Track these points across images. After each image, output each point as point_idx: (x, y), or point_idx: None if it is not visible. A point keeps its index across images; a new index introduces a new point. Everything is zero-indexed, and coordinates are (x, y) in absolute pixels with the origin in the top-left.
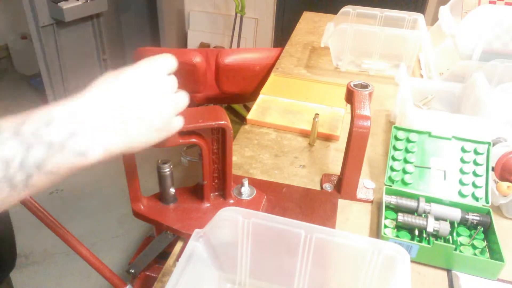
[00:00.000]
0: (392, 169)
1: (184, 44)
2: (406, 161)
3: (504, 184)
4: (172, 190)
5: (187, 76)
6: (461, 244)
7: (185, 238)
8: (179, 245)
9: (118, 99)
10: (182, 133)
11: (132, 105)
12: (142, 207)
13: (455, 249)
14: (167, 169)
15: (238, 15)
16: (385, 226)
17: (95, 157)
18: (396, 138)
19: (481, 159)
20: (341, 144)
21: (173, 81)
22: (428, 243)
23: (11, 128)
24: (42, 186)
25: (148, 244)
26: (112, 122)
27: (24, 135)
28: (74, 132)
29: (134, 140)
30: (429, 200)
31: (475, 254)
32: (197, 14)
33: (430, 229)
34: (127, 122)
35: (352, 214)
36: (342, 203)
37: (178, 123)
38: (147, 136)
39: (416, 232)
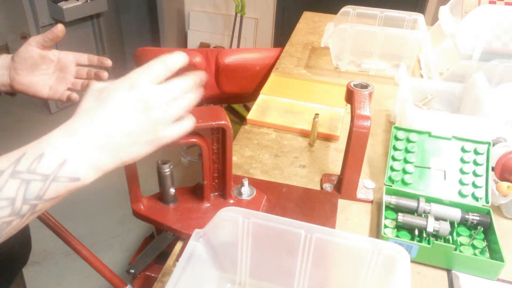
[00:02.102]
0: (392, 169)
1: (184, 44)
2: (406, 161)
3: (504, 184)
4: (172, 190)
5: None
6: (461, 244)
7: (185, 238)
8: (179, 245)
9: (105, 122)
10: None
11: (120, 126)
12: (142, 207)
13: (455, 249)
14: (167, 169)
15: (238, 15)
16: (385, 226)
17: (88, 179)
18: (396, 138)
19: (481, 159)
20: (341, 144)
21: (169, 89)
22: (428, 243)
23: (9, 169)
24: (48, 208)
25: (148, 244)
26: (101, 146)
27: (21, 173)
28: (63, 161)
29: (127, 156)
30: (429, 200)
31: (475, 254)
32: (197, 14)
33: (430, 229)
34: (116, 143)
35: (352, 214)
36: (342, 203)
37: (175, 132)
38: (140, 150)
39: (416, 232)
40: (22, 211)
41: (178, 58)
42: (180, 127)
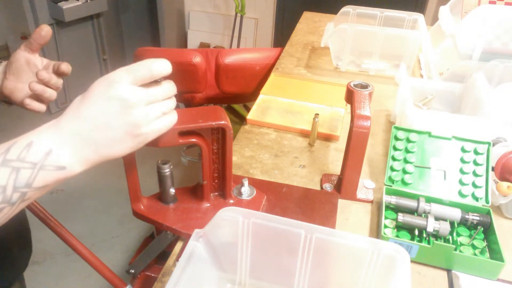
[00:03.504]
0: (392, 169)
1: (184, 44)
2: (406, 161)
3: (504, 184)
4: (172, 190)
5: (187, 76)
6: (461, 244)
7: (185, 238)
8: (179, 245)
9: (86, 117)
10: (182, 133)
11: (98, 121)
12: (142, 207)
13: (455, 249)
14: (167, 169)
15: (238, 15)
16: (385, 226)
17: (74, 169)
18: (396, 138)
19: (481, 159)
20: (341, 144)
21: (148, 93)
22: (428, 243)
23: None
24: (37, 197)
25: (148, 244)
26: (83, 139)
27: (12, 161)
28: (49, 151)
29: (109, 152)
30: (429, 200)
31: (475, 254)
32: (197, 14)
33: (430, 229)
34: (96, 138)
35: (352, 214)
36: (342, 203)
37: (157, 127)
38: (123, 146)
39: (416, 232)
40: (12, 199)
41: (163, 66)
42: (163, 122)
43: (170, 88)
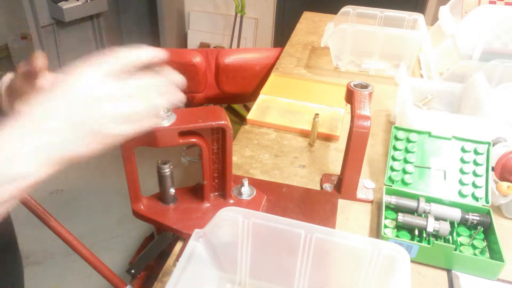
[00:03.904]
0: (392, 169)
1: (184, 44)
2: (406, 161)
3: (504, 184)
4: (172, 190)
5: (187, 76)
6: (461, 244)
7: (185, 238)
8: (179, 245)
9: (51, 115)
10: (182, 133)
11: (65, 119)
12: (142, 207)
13: (455, 249)
14: (167, 170)
15: (238, 15)
16: (385, 226)
17: (39, 174)
18: (396, 138)
19: (481, 159)
20: (341, 144)
21: (121, 85)
22: (428, 243)
23: None
24: (6, 211)
25: (148, 244)
26: (43, 142)
27: None
28: (8, 159)
29: (73, 152)
30: (429, 200)
31: (475, 254)
32: (197, 14)
33: (430, 229)
34: (58, 138)
35: (352, 214)
36: (342, 203)
37: (124, 129)
38: (88, 146)
39: (416, 232)
40: None
41: (131, 53)
42: (131, 126)
43: (156, 79)
